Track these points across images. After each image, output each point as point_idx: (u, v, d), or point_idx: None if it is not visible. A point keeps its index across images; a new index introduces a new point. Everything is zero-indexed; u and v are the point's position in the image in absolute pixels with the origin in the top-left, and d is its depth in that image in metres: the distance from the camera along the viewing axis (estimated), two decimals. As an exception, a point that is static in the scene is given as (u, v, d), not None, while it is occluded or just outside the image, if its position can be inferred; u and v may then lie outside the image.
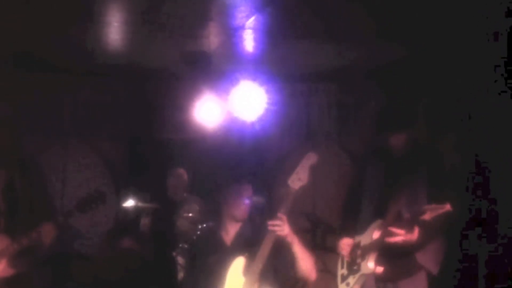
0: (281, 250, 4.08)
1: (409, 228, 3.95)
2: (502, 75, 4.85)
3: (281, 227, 3.97)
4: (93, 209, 4.51)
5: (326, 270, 5.50)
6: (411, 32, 4.94)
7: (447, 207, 3.71)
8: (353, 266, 4.35)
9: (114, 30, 5.16)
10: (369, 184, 4.45)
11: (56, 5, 4.41)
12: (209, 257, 4.30)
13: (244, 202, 4.26)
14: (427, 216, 3.79)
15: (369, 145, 4.79)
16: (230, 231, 4.35)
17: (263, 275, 4.05)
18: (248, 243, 4.20)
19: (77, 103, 6.99)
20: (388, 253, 4.15)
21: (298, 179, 4.02)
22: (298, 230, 4.14)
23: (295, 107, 6.88)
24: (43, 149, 6.78)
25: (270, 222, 4.01)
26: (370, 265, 4.16)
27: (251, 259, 4.09)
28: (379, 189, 4.36)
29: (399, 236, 3.97)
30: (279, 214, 3.99)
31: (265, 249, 4.01)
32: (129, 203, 6.66)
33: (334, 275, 4.63)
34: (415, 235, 3.95)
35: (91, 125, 7.04)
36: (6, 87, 5.55)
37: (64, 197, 6.67)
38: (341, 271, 4.47)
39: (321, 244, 6.15)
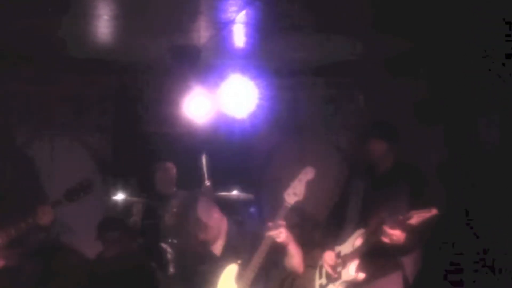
0: (274, 251, 4.04)
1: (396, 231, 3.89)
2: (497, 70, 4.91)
3: (281, 234, 3.94)
4: (80, 198, 4.54)
5: (313, 266, 5.50)
6: (404, 26, 4.95)
7: (433, 211, 3.67)
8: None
9: (104, 24, 5.15)
10: (353, 196, 4.42)
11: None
12: (199, 267, 4.28)
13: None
14: (413, 221, 3.74)
15: (355, 156, 4.79)
16: (218, 241, 4.32)
17: (256, 281, 4.04)
18: (238, 252, 4.18)
19: (67, 96, 6.98)
20: (369, 259, 4.12)
21: (293, 194, 3.98)
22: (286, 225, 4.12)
23: (284, 101, 6.87)
24: (31, 141, 6.76)
25: (269, 233, 3.97)
26: (352, 271, 4.13)
27: (244, 266, 4.07)
28: (362, 202, 4.33)
29: (391, 235, 3.87)
30: (279, 222, 3.94)
31: (260, 256, 3.98)
32: (118, 196, 6.65)
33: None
34: (401, 237, 3.87)
35: (80, 118, 7.02)
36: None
37: (52, 189, 6.64)
38: (319, 281, 4.44)
39: (309, 239, 6.15)
